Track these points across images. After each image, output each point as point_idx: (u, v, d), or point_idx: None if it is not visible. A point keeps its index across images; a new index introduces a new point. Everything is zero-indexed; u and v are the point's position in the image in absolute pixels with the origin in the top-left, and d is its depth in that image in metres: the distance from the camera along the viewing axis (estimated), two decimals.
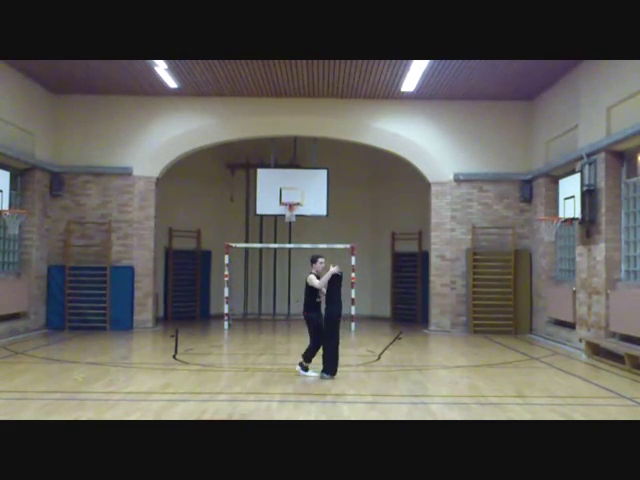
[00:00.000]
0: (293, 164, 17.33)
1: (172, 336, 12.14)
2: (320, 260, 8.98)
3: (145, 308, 15.12)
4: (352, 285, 15.47)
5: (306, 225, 17.77)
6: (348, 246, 15.77)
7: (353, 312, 15.55)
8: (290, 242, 18.20)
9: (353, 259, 15.55)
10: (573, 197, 12.01)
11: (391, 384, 8.39)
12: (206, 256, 18.61)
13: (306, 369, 8.78)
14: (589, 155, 11.64)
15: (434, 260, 15.31)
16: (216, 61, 12.69)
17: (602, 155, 11.29)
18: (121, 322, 14.69)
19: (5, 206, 12.04)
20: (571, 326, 12.60)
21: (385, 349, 11.64)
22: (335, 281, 8.66)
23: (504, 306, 14.85)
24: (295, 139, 17.18)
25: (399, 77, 13.55)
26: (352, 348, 12.00)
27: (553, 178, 13.97)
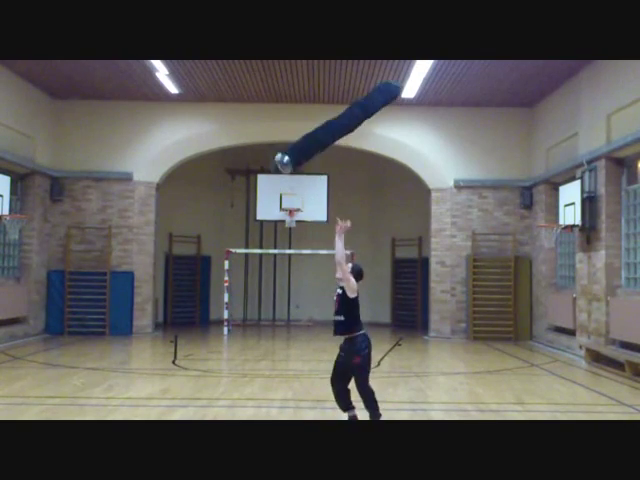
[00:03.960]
0: (293, 170, 17.32)
1: (171, 341, 12.12)
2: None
3: (145, 313, 15.10)
4: None
5: (306, 231, 17.76)
6: (348, 252, 15.74)
7: None
8: (290, 248, 18.20)
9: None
10: (573, 204, 12.01)
11: (391, 390, 8.36)
12: (206, 261, 18.61)
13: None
14: (589, 162, 11.64)
15: (434, 266, 15.30)
16: (217, 66, 12.71)
17: (602, 162, 11.30)
18: (120, 327, 14.67)
19: (5, 211, 12.05)
20: (571, 333, 12.58)
21: (385, 355, 11.62)
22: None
23: (504, 313, 14.83)
24: None
25: (400, 83, 13.55)
26: None
27: (553, 185, 13.98)
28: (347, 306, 6.08)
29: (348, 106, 6.10)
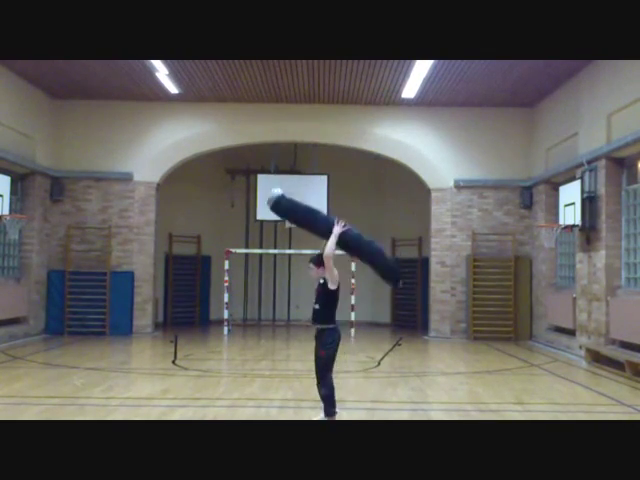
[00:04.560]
0: (294, 170, 17.34)
1: (171, 341, 12.12)
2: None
3: (145, 313, 15.10)
4: (352, 291, 15.48)
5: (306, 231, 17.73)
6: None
7: (353, 318, 15.56)
8: (290, 248, 18.19)
9: (353, 265, 15.52)
10: (573, 204, 12.01)
11: (390, 390, 8.36)
12: (206, 261, 18.60)
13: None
14: (589, 162, 11.64)
15: (434, 266, 15.30)
16: (217, 66, 12.71)
17: (602, 162, 11.29)
18: (120, 327, 14.66)
19: (5, 211, 12.04)
20: (571, 333, 12.58)
21: (385, 355, 11.62)
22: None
23: (504, 313, 14.83)
24: (295, 145, 17.19)
25: (400, 83, 13.57)
26: (352, 354, 11.97)
27: (553, 185, 13.98)
28: (326, 297, 6.21)
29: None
